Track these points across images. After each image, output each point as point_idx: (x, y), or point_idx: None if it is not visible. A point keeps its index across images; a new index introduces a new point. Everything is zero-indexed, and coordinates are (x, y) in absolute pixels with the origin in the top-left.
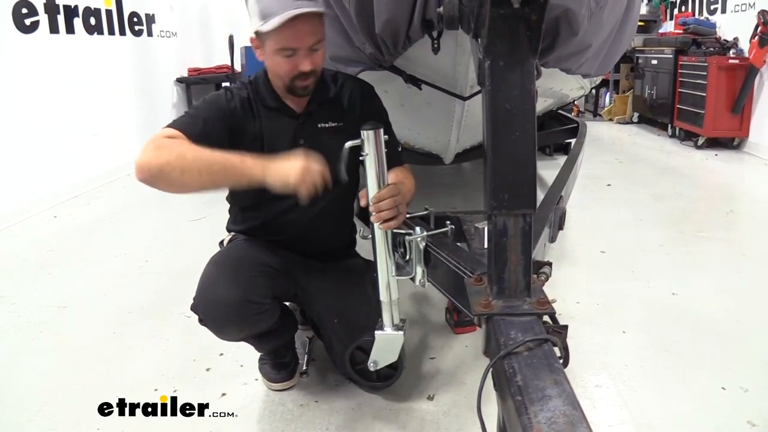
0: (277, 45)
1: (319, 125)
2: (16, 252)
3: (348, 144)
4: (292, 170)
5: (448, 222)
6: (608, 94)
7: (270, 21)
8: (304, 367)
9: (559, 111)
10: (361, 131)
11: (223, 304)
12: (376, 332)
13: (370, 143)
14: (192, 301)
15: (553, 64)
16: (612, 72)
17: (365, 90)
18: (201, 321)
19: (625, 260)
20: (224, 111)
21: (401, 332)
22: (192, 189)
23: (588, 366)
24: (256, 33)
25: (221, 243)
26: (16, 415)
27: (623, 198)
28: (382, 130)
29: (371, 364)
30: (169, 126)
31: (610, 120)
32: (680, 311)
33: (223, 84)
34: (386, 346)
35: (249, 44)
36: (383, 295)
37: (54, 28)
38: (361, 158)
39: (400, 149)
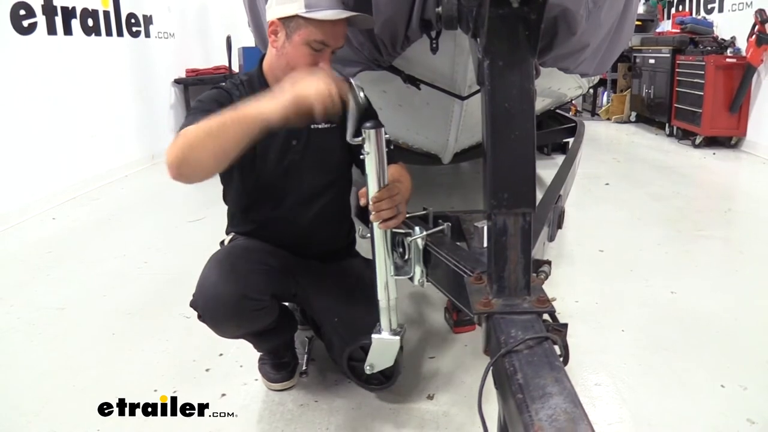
0: (312, 36)
1: (312, 126)
2: (15, 253)
3: (350, 141)
4: (308, 85)
5: (440, 221)
6: (606, 93)
7: (322, 12)
8: (304, 367)
9: (557, 110)
10: (363, 130)
11: (220, 300)
12: (372, 335)
13: (372, 142)
14: (191, 298)
15: (552, 63)
16: (609, 71)
17: None
18: (200, 317)
19: (623, 259)
20: (223, 106)
21: (398, 338)
22: (219, 155)
23: (587, 364)
24: (287, 18)
25: (221, 243)
26: (16, 416)
27: (621, 197)
28: (383, 129)
29: (367, 368)
30: (179, 131)
31: (608, 119)
32: (679, 310)
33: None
34: (382, 350)
35: (247, 45)
36: (381, 297)
37: (51, 30)
38: (361, 157)
39: (392, 147)
